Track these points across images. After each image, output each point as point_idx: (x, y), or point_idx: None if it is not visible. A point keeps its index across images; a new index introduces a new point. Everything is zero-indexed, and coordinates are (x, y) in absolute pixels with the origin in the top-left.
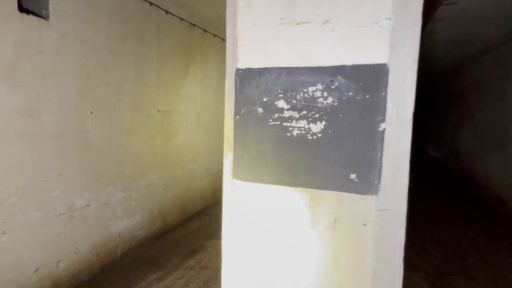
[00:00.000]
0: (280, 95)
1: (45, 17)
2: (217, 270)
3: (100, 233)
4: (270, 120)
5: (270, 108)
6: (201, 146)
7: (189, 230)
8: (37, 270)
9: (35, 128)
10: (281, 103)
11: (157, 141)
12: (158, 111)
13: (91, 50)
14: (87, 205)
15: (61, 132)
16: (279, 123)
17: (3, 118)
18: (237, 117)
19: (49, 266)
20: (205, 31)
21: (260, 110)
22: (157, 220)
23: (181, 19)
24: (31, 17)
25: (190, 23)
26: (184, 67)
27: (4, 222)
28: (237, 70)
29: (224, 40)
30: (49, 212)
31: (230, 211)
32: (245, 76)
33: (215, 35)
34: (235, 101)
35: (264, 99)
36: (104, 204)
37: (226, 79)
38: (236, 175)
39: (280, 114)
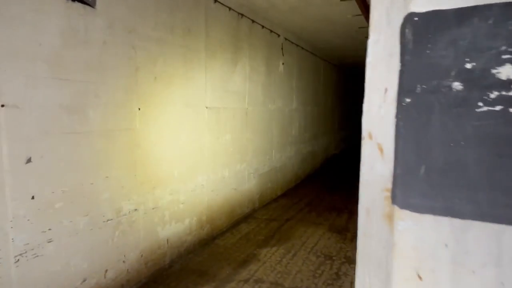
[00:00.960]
0: (505, 57)
1: (91, 4)
2: (274, 285)
3: (148, 240)
4: (480, 104)
5: (481, 82)
6: (249, 145)
7: (238, 236)
8: (84, 280)
9: (82, 125)
10: (508, 71)
11: (205, 140)
12: (207, 107)
13: (139, 41)
14: (135, 210)
15: (108, 130)
16: (502, 110)
17: (49, 115)
18: (406, 99)
19: (96, 276)
20: (253, 21)
21: (457, 86)
22: (205, 225)
23: (230, 8)
24: (77, 4)
25: (238, 13)
26: (232, 60)
27: (50, 229)
28: (409, 16)
29: (272, 31)
30: (96, 218)
31: (381, 270)
32: (427, 26)
33: (263, 26)
34: (402, 72)
35: (468, 66)
36: (152, 208)
37: (372, 38)
38: (399, 200)
39: (505, 92)
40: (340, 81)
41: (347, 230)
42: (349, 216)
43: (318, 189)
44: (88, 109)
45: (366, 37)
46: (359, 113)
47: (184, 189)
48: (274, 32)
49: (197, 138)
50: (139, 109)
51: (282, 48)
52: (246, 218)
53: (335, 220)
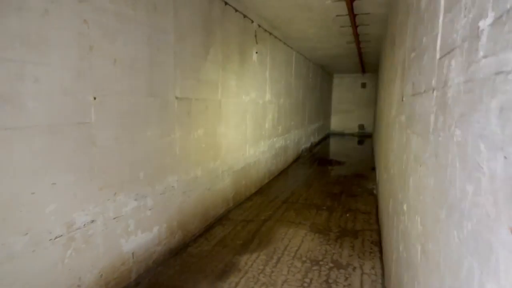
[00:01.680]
0: None
1: None
2: None
3: (110, 255)
4: None
5: None
6: (223, 141)
7: (214, 241)
8: None
9: (17, 119)
10: None
11: (176, 135)
12: (176, 98)
13: (93, 13)
14: (92, 221)
15: (54, 125)
16: None
17: None
18: None
19: None
20: (226, 3)
21: None
22: (176, 232)
23: None
24: None
25: None
26: (204, 46)
27: None
28: None
29: (246, 16)
30: (40, 236)
31: None
32: None
33: (236, 10)
34: None
35: None
36: (114, 218)
37: None
38: None
39: None
40: (310, 73)
41: (329, 229)
42: (329, 214)
43: (292, 185)
44: (26, 97)
45: (342, 26)
46: (326, 106)
47: (152, 193)
48: (248, 18)
49: (166, 133)
50: (95, 98)
51: (255, 36)
52: (220, 220)
53: (315, 219)
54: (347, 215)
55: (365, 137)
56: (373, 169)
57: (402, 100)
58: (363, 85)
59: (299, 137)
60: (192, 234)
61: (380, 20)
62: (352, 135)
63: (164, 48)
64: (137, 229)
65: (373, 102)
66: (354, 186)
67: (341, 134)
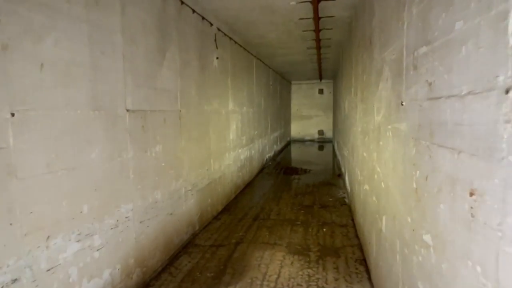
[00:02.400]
0: None
1: None
2: None
3: None
4: None
5: None
6: (185, 157)
7: (180, 276)
8: None
9: None
10: None
11: (129, 155)
12: (128, 110)
13: (7, 2)
14: (14, 280)
15: None
16: None
17: None
18: None
19: None
20: (182, 2)
21: None
22: (134, 271)
23: None
24: None
25: None
26: (159, 50)
27: None
28: None
29: (204, 19)
30: None
31: None
32: None
33: (194, 11)
34: None
35: None
36: (48, 270)
37: None
38: None
39: None
40: (270, 81)
41: (308, 248)
42: (305, 230)
43: (261, 199)
44: None
45: (304, 30)
46: (286, 113)
47: (101, 229)
48: (207, 20)
49: (116, 153)
50: (13, 115)
51: (215, 40)
52: (186, 247)
53: (291, 237)
54: (324, 230)
55: (325, 143)
56: (339, 175)
57: (402, 104)
58: (321, 91)
59: (263, 146)
60: (153, 270)
61: (343, 24)
62: (312, 141)
63: (111, 51)
64: (82, 278)
65: (330, 108)
66: (324, 196)
67: (301, 141)
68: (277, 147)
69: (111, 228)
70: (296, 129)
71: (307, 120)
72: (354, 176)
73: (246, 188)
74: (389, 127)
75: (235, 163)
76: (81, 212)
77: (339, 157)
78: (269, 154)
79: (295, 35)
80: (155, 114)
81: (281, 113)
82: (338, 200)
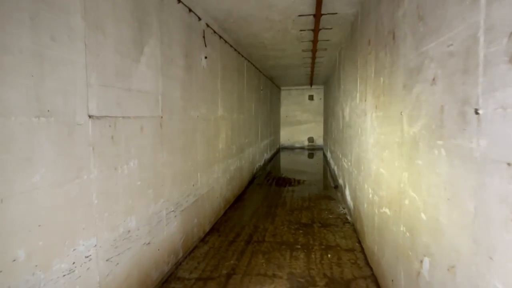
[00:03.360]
0: None
1: None
2: None
3: None
4: None
5: None
6: (167, 172)
7: None
8: None
9: None
10: None
11: (91, 175)
12: (91, 116)
13: None
14: None
15: None
16: None
17: None
18: None
19: None
20: None
21: None
22: None
23: None
24: None
25: None
26: (136, 42)
27: None
28: None
29: (191, 11)
30: None
31: None
32: None
33: (179, 0)
34: None
35: None
36: None
37: None
38: None
39: None
40: (261, 85)
41: (313, 282)
42: (307, 256)
43: (253, 215)
44: None
45: (302, 30)
46: (276, 120)
47: (47, 279)
48: (194, 13)
49: (72, 174)
50: None
51: (204, 37)
52: (167, 282)
53: (291, 265)
54: (329, 255)
55: (315, 150)
56: (336, 187)
57: (477, 113)
58: (311, 98)
59: (253, 155)
60: None
61: (345, 23)
62: (302, 148)
63: (66, 37)
64: None
65: (321, 114)
66: (323, 212)
67: (291, 148)
68: (267, 155)
69: (64, 275)
70: (286, 136)
71: (296, 127)
72: (362, 193)
73: (236, 202)
74: (440, 143)
75: (224, 175)
76: (14, 260)
77: (333, 167)
78: (259, 163)
79: (291, 35)
80: (129, 122)
81: (271, 120)
82: (339, 217)
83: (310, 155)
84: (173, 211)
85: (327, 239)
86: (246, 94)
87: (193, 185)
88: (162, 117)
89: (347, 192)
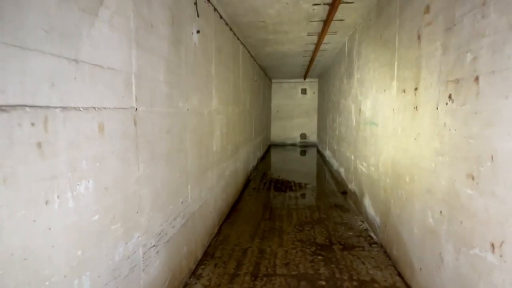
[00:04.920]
0: None
1: None
2: None
3: None
4: None
5: None
6: (144, 191)
7: None
8: None
9: None
10: None
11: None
12: (1, 109)
13: None
14: None
15: None
16: None
17: None
18: None
19: None
20: None
21: None
22: None
23: None
24: None
25: None
26: None
27: None
28: None
29: None
30: None
31: None
32: None
33: None
34: None
35: None
36: None
37: None
38: None
39: None
40: (255, 75)
41: None
42: None
43: (255, 232)
44: None
45: (316, 4)
46: (268, 115)
47: None
48: None
49: None
50: None
51: (196, 3)
52: None
53: None
54: None
55: (308, 147)
56: (345, 193)
57: None
58: (304, 91)
59: (248, 155)
60: None
61: None
62: (294, 145)
63: None
64: None
65: (314, 109)
66: (340, 227)
67: (282, 145)
68: (259, 154)
69: None
70: (277, 132)
71: (288, 123)
72: (405, 211)
73: (231, 214)
74: None
75: (219, 182)
76: None
77: (339, 169)
78: (253, 163)
79: (300, 12)
80: (77, 117)
81: (263, 115)
82: (361, 234)
83: (303, 153)
84: (154, 246)
85: (356, 269)
86: (242, 84)
87: (182, 203)
88: (136, 109)
89: (366, 203)
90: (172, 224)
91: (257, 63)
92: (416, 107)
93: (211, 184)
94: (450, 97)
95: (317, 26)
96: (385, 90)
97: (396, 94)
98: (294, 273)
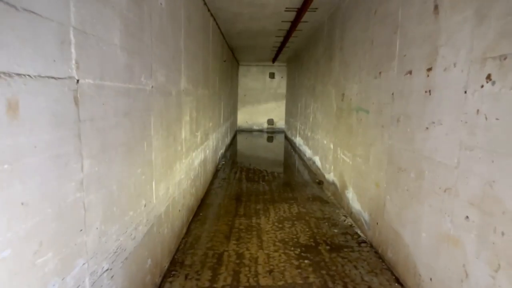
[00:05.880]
0: None
1: None
2: None
3: None
4: None
5: None
6: (91, 198)
7: None
8: None
9: None
10: None
11: None
12: None
13: None
14: None
15: None
16: None
17: None
18: None
19: None
20: None
21: None
22: None
23: None
24: None
25: None
26: None
27: None
28: None
29: None
30: None
31: None
32: None
33: None
34: None
35: None
36: None
37: None
38: None
39: None
40: (224, 55)
41: None
42: None
43: (229, 232)
44: None
45: None
46: (235, 99)
47: None
48: None
49: None
50: None
51: None
52: None
53: None
54: None
55: (275, 133)
56: (320, 183)
57: None
58: (272, 75)
59: (217, 142)
60: None
61: None
62: (261, 131)
63: None
64: None
65: (282, 94)
66: (323, 223)
67: (249, 131)
68: (227, 140)
69: None
70: (243, 118)
71: (255, 108)
72: (409, 210)
73: (201, 210)
74: None
75: (187, 175)
76: None
77: (313, 158)
78: (221, 151)
79: None
80: None
81: (231, 99)
82: (347, 231)
83: (270, 139)
84: (107, 270)
85: (349, 276)
86: (212, 63)
87: (146, 205)
88: (78, 81)
89: (349, 196)
90: (133, 235)
91: (226, 42)
92: (429, 91)
93: (179, 178)
94: (489, 77)
95: (298, 0)
96: (380, 73)
97: (396, 77)
98: (280, 283)
